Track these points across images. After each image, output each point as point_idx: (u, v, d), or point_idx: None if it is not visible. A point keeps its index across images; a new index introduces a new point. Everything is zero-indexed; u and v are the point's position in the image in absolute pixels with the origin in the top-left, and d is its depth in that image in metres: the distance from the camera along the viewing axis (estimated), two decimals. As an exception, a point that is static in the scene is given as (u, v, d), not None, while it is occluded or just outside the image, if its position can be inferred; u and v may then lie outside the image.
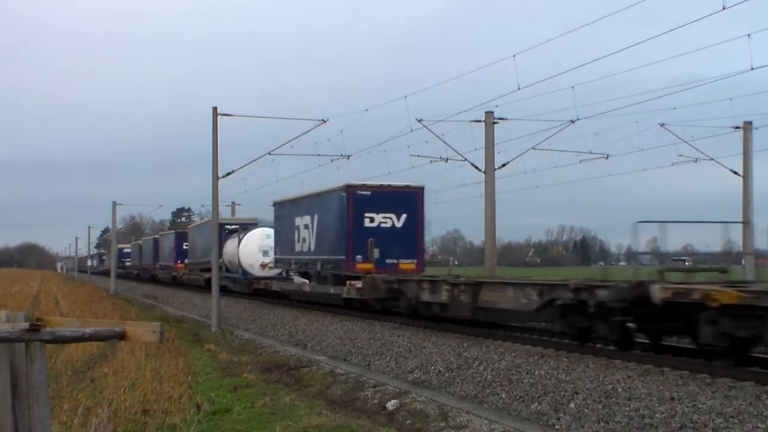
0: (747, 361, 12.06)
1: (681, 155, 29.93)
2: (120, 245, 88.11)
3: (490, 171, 26.33)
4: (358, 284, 22.76)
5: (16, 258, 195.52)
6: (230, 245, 39.30)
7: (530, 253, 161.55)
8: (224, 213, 51.09)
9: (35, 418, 5.86)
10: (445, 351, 16.14)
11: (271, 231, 34.67)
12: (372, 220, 24.01)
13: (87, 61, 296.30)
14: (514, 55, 21.06)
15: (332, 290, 24.86)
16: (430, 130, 26.70)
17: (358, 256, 23.72)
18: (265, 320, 27.79)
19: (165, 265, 58.41)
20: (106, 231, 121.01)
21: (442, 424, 11.11)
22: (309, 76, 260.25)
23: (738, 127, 29.34)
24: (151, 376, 13.94)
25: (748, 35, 18.30)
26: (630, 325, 13.58)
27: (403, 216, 24.20)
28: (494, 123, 26.23)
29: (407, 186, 24.99)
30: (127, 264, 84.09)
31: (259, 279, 36.14)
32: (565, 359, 13.76)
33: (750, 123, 29.43)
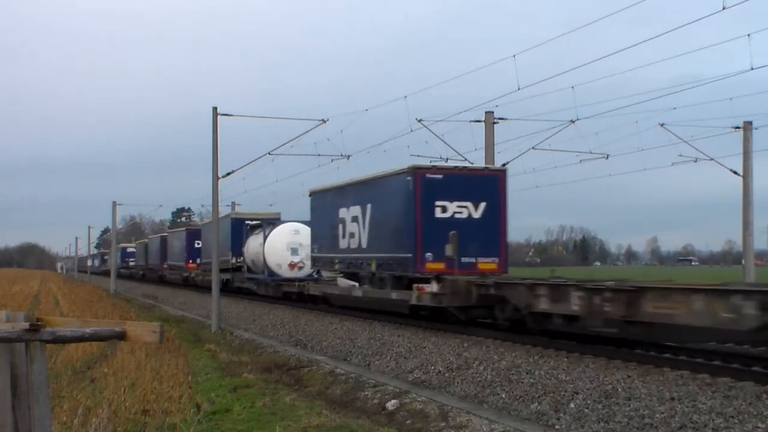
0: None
1: (681, 155, 29.96)
2: (123, 244, 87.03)
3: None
4: (433, 288, 19.07)
5: (16, 258, 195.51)
6: (253, 243, 35.18)
7: (530, 253, 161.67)
8: (224, 213, 49.82)
9: (35, 418, 5.86)
10: (445, 351, 16.14)
11: (300, 226, 31.77)
12: (444, 209, 20.02)
13: (87, 61, 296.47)
14: (514, 55, 21.04)
15: (394, 295, 20.70)
16: (430, 130, 26.70)
17: (428, 254, 19.78)
18: (265, 320, 27.78)
19: (175, 264, 54.75)
20: (106, 231, 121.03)
21: (442, 424, 11.11)
22: (309, 76, 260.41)
23: (738, 127, 29.34)
24: (151, 376, 13.94)
25: (748, 35, 18.31)
26: None
27: (482, 205, 20.29)
28: (494, 123, 26.23)
29: (486, 168, 21.60)
30: (131, 264, 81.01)
31: (288, 281, 32.10)
32: (565, 359, 13.76)
33: (750, 123, 29.43)
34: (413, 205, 19.98)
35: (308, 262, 29.91)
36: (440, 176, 20.12)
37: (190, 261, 49.28)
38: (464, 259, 19.60)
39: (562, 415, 11.28)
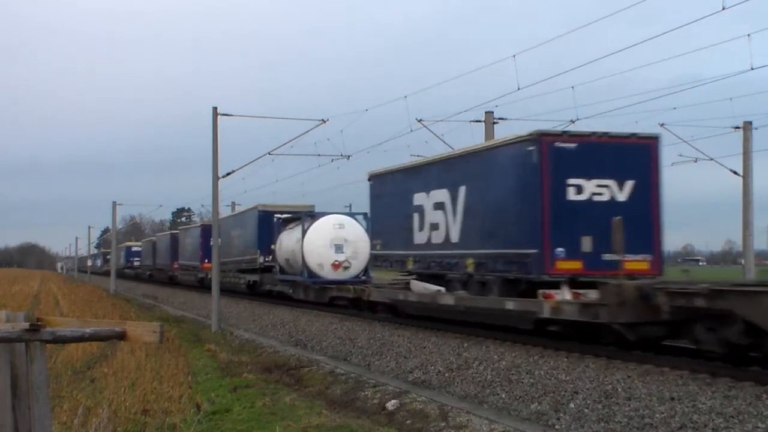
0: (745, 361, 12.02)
1: (681, 155, 29.97)
2: (128, 243, 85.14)
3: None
4: (565, 294, 15.07)
5: (16, 258, 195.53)
6: (287, 239, 30.23)
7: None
8: (224, 213, 48.92)
9: (35, 418, 5.86)
10: (445, 351, 16.14)
11: (345, 219, 27.96)
12: (579, 189, 15.53)
13: (87, 61, 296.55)
14: (514, 55, 20.99)
15: (511, 305, 15.79)
16: (430, 130, 26.67)
17: (560, 250, 15.27)
18: (265, 320, 27.78)
19: (187, 264, 50.10)
20: (106, 231, 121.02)
21: (442, 424, 11.11)
22: (309, 76, 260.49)
23: (738, 127, 29.33)
24: (151, 376, 13.94)
25: (748, 35, 18.31)
26: None
27: (629, 184, 15.76)
28: (494, 123, 26.23)
29: (634, 135, 16.31)
30: (136, 263, 77.40)
31: (333, 283, 27.34)
32: (565, 359, 13.76)
33: (750, 123, 29.42)
34: (538, 184, 15.42)
35: (355, 262, 27.28)
36: (574, 145, 15.60)
37: (206, 260, 43.72)
38: (605, 256, 15.28)
39: (562, 415, 11.28)
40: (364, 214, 26.97)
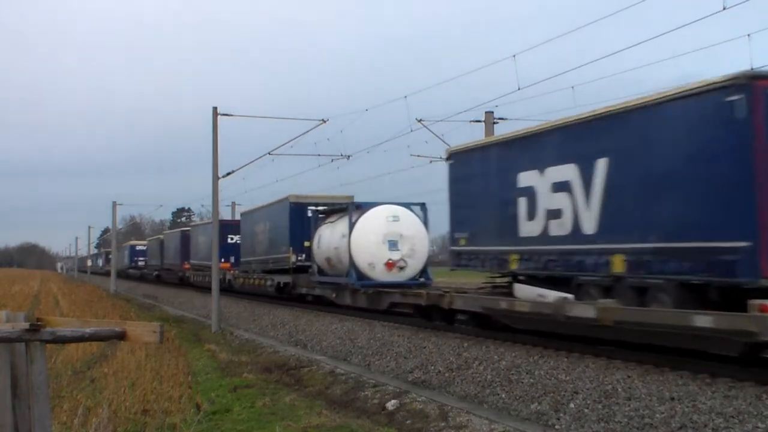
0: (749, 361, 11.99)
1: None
2: (132, 242, 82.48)
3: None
4: None
5: (16, 258, 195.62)
6: (328, 235, 25.79)
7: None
8: (224, 213, 48.53)
9: (35, 418, 5.86)
10: (445, 351, 16.14)
11: (400, 210, 23.56)
12: None
13: (87, 61, 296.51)
14: (514, 55, 20.96)
15: (707, 322, 11.16)
16: (430, 130, 26.67)
17: None
18: (265, 320, 27.77)
19: (201, 264, 45.64)
20: (106, 231, 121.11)
21: (442, 424, 11.11)
22: (309, 76, 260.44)
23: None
24: (151, 376, 13.95)
25: (748, 35, 18.27)
26: None
27: None
28: (494, 123, 26.24)
29: None
30: (140, 263, 73.60)
31: (385, 286, 22.83)
32: (565, 359, 13.75)
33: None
34: (749, 147, 11.33)
35: (411, 261, 23.18)
36: None
37: (223, 260, 39.82)
38: None
39: (562, 415, 11.28)
40: (421, 205, 23.87)
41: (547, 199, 15.44)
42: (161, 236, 65.86)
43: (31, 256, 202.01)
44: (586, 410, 11.10)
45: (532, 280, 15.98)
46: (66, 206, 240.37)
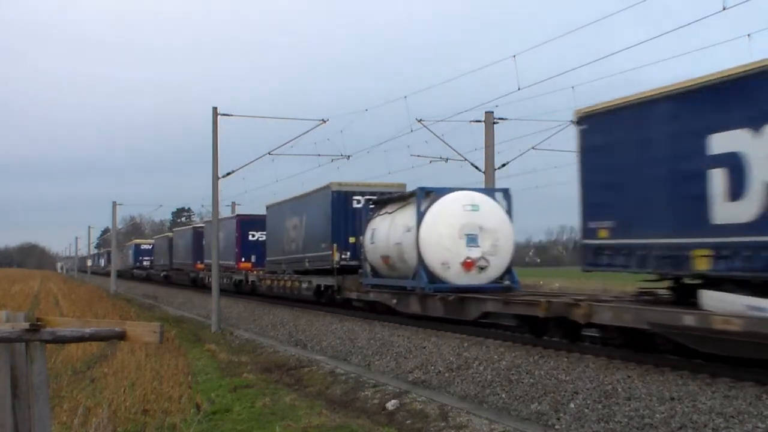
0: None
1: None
2: (137, 240, 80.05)
3: (490, 171, 26.24)
4: None
5: (16, 258, 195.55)
6: (385, 228, 21.39)
7: (530, 253, 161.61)
8: (224, 213, 47.41)
9: (35, 418, 5.86)
10: (445, 351, 16.14)
11: (480, 197, 19.41)
12: None
13: (87, 61, 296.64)
14: (514, 55, 20.95)
15: None
16: (430, 130, 26.68)
17: None
18: (265, 320, 27.77)
19: (221, 265, 39.11)
20: (106, 231, 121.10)
21: (442, 424, 11.11)
22: (309, 76, 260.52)
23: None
24: (151, 376, 13.95)
25: (748, 35, 18.26)
26: None
27: None
28: (494, 123, 26.25)
29: None
30: (145, 263, 70.12)
31: (462, 290, 18.39)
32: (565, 359, 13.75)
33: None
34: None
35: (494, 259, 18.92)
36: None
37: (243, 259, 37.37)
38: None
39: (562, 415, 11.28)
40: (504, 191, 20.17)
41: None
42: (170, 234, 61.32)
43: (31, 256, 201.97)
44: (586, 410, 11.10)
45: (734, 286, 11.58)
46: (66, 206, 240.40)
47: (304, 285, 28.29)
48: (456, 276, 18.82)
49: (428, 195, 19.61)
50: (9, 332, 5.72)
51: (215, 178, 27.44)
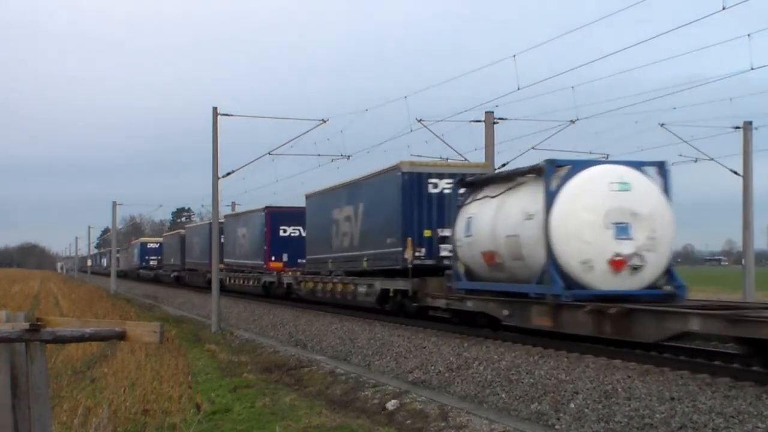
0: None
1: (681, 155, 29.74)
2: (143, 239, 76.46)
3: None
4: None
5: (16, 258, 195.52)
6: (487, 215, 16.70)
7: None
8: (224, 213, 46.43)
9: (35, 418, 5.86)
10: (445, 351, 16.14)
11: (628, 173, 14.66)
12: None
13: (87, 61, 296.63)
14: (514, 55, 20.92)
15: None
16: (430, 130, 26.66)
17: None
18: (265, 320, 27.77)
19: (242, 264, 37.64)
20: (106, 231, 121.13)
21: (442, 424, 11.11)
22: (309, 76, 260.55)
23: (738, 127, 29.34)
24: (151, 376, 13.95)
25: (748, 35, 18.26)
26: None
27: None
28: (494, 123, 26.24)
29: None
30: (152, 263, 65.36)
31: (610, 298, 13.83)
32: (565, 359, 13.75)
33: (750, 123, 29.41)
34: None
35: (651, 256, 14.32)
36: None
37: (273, 258, 33.19)
38: None
39: (562, 415, 11.28)
40: (659, 164, 15.33)
41: None
42: (182, 231, 55.79)
43: (31, 256, 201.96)
44: (586, 410, 11.10)
45: None
46: (66, 206, 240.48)
47: (362, 289, 23.28)
48: (601, 279, 14.21)
49: (558, 169, 14.84)
50: (9, 332, 5.72)
51: (215, 178, 27.45)
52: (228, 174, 28.50)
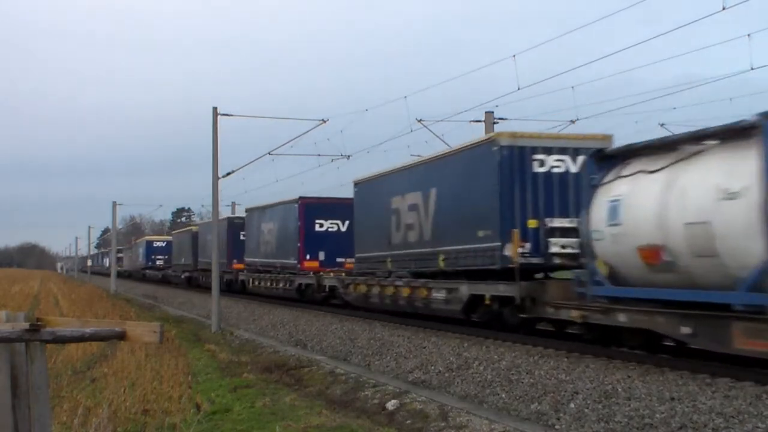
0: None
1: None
2: (149, 237, 73.17)
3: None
4: None
5: (16, 258, 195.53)
6: (647, 196, 12.39)
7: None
8: (224, 213, 46.42)
9: (35, 418, 5.86)
10: (445, 351, 16.14)
11: None
12: None
13: (87, 61, 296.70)
14: (514, 55, 20.90)
15: None
16: (430, 130, 26.65)
17: None
18: (265, 320, 27.76)
19: (268, 264, 33.49)
20: (106, 231, 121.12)
21: (442, 424, 11.11)
22: (309, 77, 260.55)
23: (738, 127, 29.28)
24: (151, 376, 13.95)
25: (748, 35, 18.26)
26: None
27: None
28: (494, 123, 26.24)
29: None
30: (159, 262, 61.71)
31: None
32: (565, 359, 13.76)
33: (750, 123, 29.36)
34: None
35: None
36: None
37: (308, 256, 29.08)
38: None
39: (562, 415, 11.28)
40: None
41: None
42: (193, 228, 51.76)
43: (31, 256, 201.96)
44: (586, 410, 11.10)
45: None
46: (66, 206, 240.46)
47: (439, 295, 19.06)
48: None
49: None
50: (9, 332, 5.72)
51: (215, 178, 27.44)
52: (228, 174, 28.53)
